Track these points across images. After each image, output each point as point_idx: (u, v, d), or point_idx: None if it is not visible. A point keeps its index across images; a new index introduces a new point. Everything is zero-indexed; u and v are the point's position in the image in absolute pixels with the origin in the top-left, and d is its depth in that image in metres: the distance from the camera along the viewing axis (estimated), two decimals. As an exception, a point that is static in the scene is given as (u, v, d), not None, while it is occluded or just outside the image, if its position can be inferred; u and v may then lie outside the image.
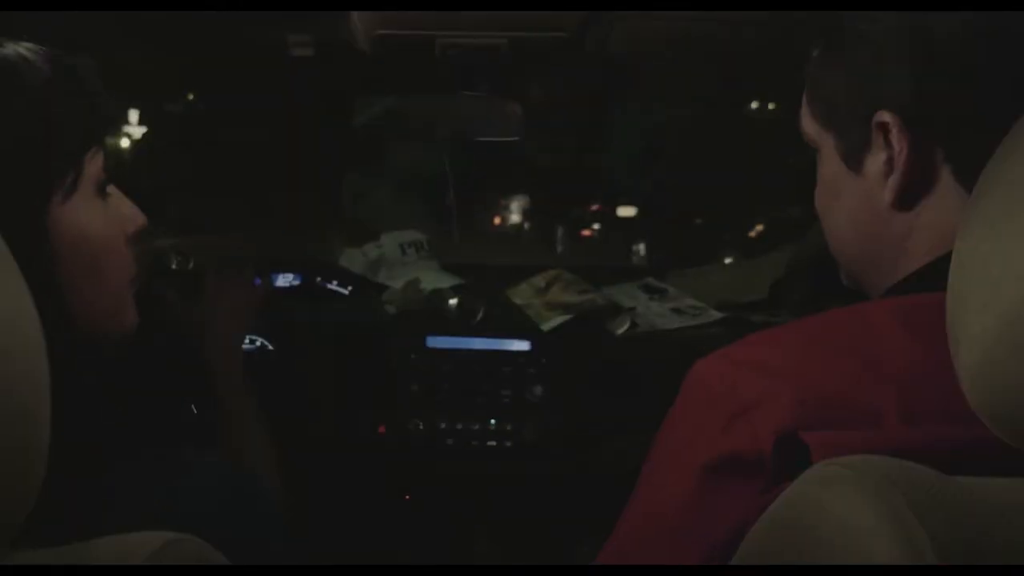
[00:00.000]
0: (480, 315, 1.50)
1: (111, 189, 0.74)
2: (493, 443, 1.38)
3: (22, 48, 0.67)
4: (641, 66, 1.11)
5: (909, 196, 0.69)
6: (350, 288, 1.54)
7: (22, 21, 0.70)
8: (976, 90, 0.66)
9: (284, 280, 1.57)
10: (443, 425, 1.38)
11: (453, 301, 1.51)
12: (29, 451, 0.43)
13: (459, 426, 1.38)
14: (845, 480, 0.49)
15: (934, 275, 0.62)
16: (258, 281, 1.33)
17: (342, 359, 1.42)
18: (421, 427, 1.38)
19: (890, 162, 0.69)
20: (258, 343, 1.47)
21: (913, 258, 0.70)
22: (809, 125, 0.76)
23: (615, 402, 1.44)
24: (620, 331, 1.52)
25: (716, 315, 1.56)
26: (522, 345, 1.45)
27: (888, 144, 0.69)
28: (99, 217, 0.70)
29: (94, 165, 0.69)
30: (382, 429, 1.39)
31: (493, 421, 1.38)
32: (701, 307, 1.59)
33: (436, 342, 1.46)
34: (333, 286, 1.55)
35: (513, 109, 1.25)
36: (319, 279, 1.55)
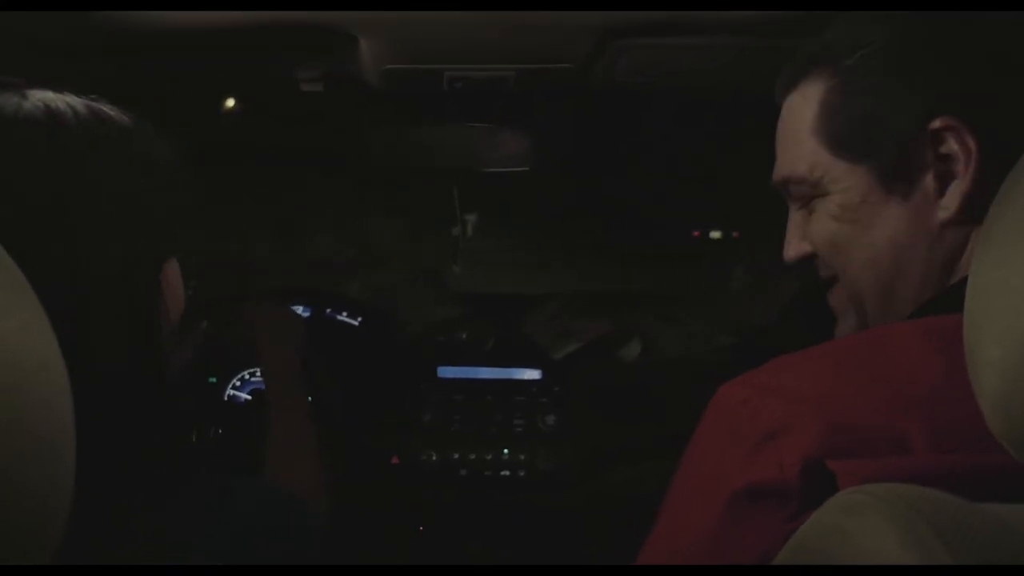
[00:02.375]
0: (491, 344, 1.50)
1: None
2: (507, 472, 1.37)
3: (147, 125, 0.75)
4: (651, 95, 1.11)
5: (971, 205, 0.65)
6: (360, 319, 1.55)
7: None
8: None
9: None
10: (456, 455, 1.37)
11: (463, 330, 1.51)
12: (54, 492, 0.43)
13: (472, 456, 1.37)
14: (869, 508, 0.48)
15: (957, 297, 0.62)
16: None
17: (353, 390, 1.42)
18: (434, 457, 1.37)
19: (946, 174, 0.66)
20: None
21: (947, 276, 0.68)
22: (814, 162, 0.73)
23: (628, 429, 1.43)
24: (631, 358, 1.52)
25: (728, 340, 1.56)
26: (533, 374, 1.45)
27: (943, 155, 0.66)
28: (178, 275, 0.78)
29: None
30: (395, 460, 1.38)
31: (506, 450, 1.38)
32: (713, 332, 1.58)
33: (447, 372, 1.46)
34: (343, 317, 1.55)
35: (522, 139, 1.26)
36: (329, 310, 1.55)
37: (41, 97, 0.68)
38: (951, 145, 0.66)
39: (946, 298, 0.67)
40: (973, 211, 0.65)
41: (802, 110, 0.74)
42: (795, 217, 0.80)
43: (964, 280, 0.64)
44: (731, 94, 1.08)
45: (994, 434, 0.50)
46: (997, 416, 0.49)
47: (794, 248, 0.80)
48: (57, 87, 0.70)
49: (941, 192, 0.68)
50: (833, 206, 0.73)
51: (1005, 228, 0.51)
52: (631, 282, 1.65)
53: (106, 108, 0.71)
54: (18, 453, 0.40)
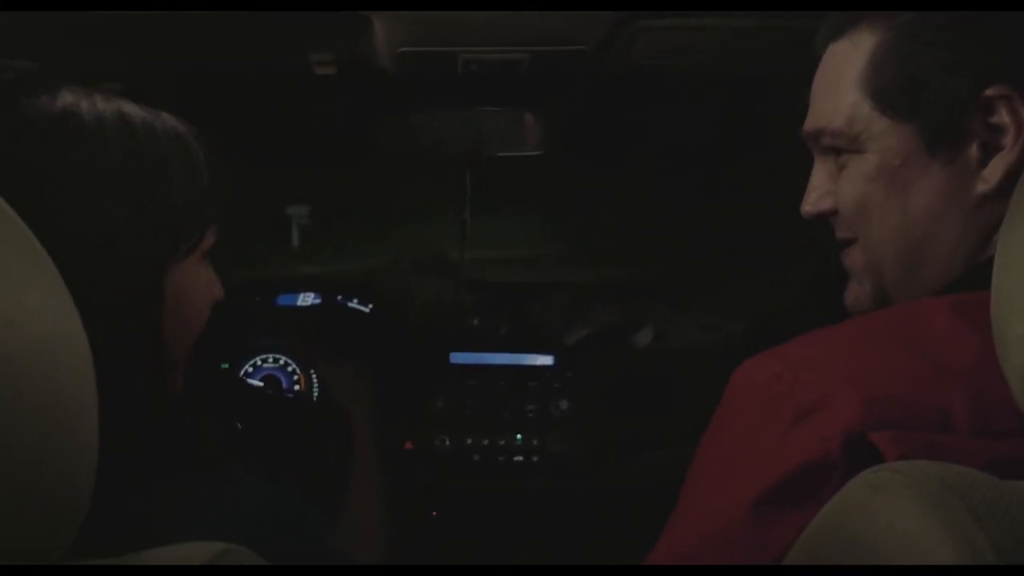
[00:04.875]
0: (504, 330, 1.50)
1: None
2: (520, 458, 1.37)
3: (179, 123, 0.74)
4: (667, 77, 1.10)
5: (1013, 181, 0.62)
6: (371, 306, 1.54)
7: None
8: None
9: (304, 299, 1.57)
10: (469, 441, 1.37)
11: (475, 316, 1.51)
12: (77, 463, 0.43)
13: (485, 441, 1.37)
14: (897, 485, 0.48)
15: (985, 274, 0.61)
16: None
17: (365, 376, 1.42)
18: (448, 443, 1.37)
19: (993, 145, 0.65)
20: (281, 361, 1.47)
21: (981, 250, 0.67)
22: (854, 116, 0.70)
23: (641, 415, 1.43)
24: (644, 344, 1.51)
25: (740, 326, 1.55)
26: (546, 360, 1.44)
27: (992, 124, 0.64)
28: (197, 282, 0.76)
29: (209, 238, 0.76)
30: (408, 445, 1.38)
31: (519, 436, 1.37)
32: (725, 319, 1.58)
33: (460, 358, 1.46)
34: (354, 304, 1.55)
35: (536, 123, 1.25)
36: (340, 297, 1.55)
37: (65, 97, 0.67)
38: (1002, 115, 0.64)
39: (978, 274, 0.64)
40: (1013, 186, 0.62)
41: (849, 59, 0.70)
42: (821, 171, 0.76)
43: (986, 261, 0.63)
44: (750, 77, 1.07)
45: (1022, 410, 0.49)
46: None
47: (813, 203, 0.76)
48: (84, 84, 0.70)
49: (984, 163, 0.66)
50: (869, 166, 0.70)
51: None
52: (644, 268, 1.65)
53: (129, 107, 0.71)
54: (41, 421, 0.40)
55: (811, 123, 0.75)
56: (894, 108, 0.68)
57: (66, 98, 0.67)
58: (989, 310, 0.53)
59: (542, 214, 1.70)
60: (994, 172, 0.65)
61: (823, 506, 0.54)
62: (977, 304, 0.59)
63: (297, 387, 1.46)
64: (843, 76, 0.71)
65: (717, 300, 1.64)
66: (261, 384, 1.42)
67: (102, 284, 0.65)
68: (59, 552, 0.43)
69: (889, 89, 0.68)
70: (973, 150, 0.66)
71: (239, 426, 1.21)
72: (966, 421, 0.56)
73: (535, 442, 1.37)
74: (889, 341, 0.62)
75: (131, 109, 0.70)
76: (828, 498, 0.54)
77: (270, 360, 1.47)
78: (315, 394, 1.46)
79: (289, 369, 1.47)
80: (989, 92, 0.64)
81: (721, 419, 0.67)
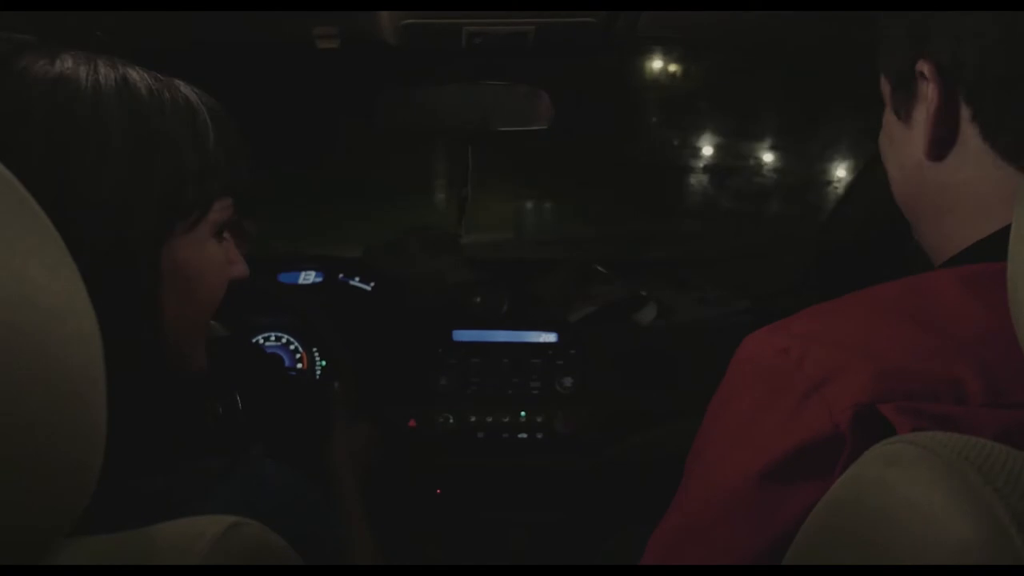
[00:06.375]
0: (505, 307, 1.49)
1: (227, 234, 0.77)
2: (524, 435, 1.37)
3: (192, 92, 0.72)
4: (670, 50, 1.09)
5: (938, 147, 0.68)
6: (373, 284, 1.54)
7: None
8: (1016, 57, 0.63)
9: (306, 277, 1.57)
10: (473, 418, 1.37)
11: (477, 294, 1.50)
12: (85, 439, 0.42)
13: (489, 419, 1.37)
14: (913, 457, 0.47)
15: (994, 246, 0.60)
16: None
17: (367, 354, 1.41)
18: (451, 421, 1.37)
19: (927, 111, 0.68)
20: (283, 340, 1.47)
21: (951, 218, 0.69)
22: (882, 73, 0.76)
23: (644, 392, 1.43)
24: (647, 321, 1.51)
25: (743, 304, 1.55)
26: (549, 337, 1.44)
27: (925, 93, 0.68)
28: (206, 258, 0.74)
29: (221, 212, 0.73)
30: (412, 423, 1.38)
31: (523, 413, 1.37)
32: (727, 296, 1.57)
33: (463, 335, 1.45)
34: (356, 283, 1.54)
35: (541, 97, 1.24)
36: (341, 275, 1.54)
37: (63, 63, 0.66)
38: (927, 88, 0.67)
39: (979, 249, 0.66)
40: (939, 153, 0.68)
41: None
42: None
43: (995, 233, 0.64)
44: (757, 48, 1.06)
45: None
46: None
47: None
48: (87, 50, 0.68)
49: (920, 130, 0.70)
50: (885, 113, 0.75)
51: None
52: (646, 244, 1.64)
53: (133, 74, 0.69)
54: (51, 395, 0.39)
55: None
56: (880, 64, 0.74)
57: (65, 63, 0.66)
58: (997, 281, 0.52)
59: (544, 190, 1.69)
60: (924, 136, 0.69)
61: (833, 480, 0.53)
62: (987, 275, 0.59)
63: (299, 365, 1.46)
64: None
65: (719, 276, 1.64)
66: (277, 353, 1.42)
67: (95, 255, 0.63)
68: (71, 524, 0.43)
69: (878, 49, 0.74)
70: (922, 113, 0.69)
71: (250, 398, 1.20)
72: (978, 392, 0.56)
73: (539, 419, 1.37)
74: (898, 313, 0.61)
75: (135, 76, 0.68)
76: (838, 472, 0.54)
77: (272, 338, 1.46)
78: (318, 373, 1.46)
79: (291, 348, 1.47)
80: (919, 66, 0.67)
81: (727, 394, 0.66)
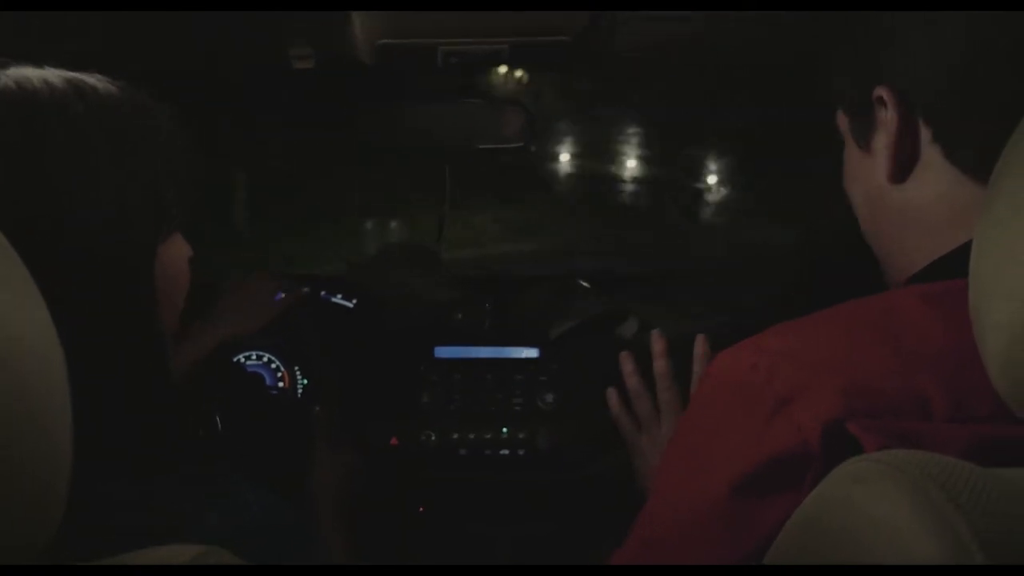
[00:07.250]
0: (487, 323, 1.49)
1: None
2: (506, 452, 1.37)
3: (150, 101, 0.72)
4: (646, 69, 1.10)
5: (900, 171, 0.68)
6: (355, 301, 1.53)
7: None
8: (973, 75, 0.64)
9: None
10: (455, 435, 1.37)
11: (459, 311, 1.50)
12: (51, 464, 0.42)
13: (471, 435, 1.37)
14: (878, 475, 0.47)
15: (954, 263, 0.61)
16: (279, 295, 1.33)
17: (349, 372, 1.41)
18: (433, 438, 1.37)
19: (887, 137, 0.68)
20: (265, 359, 1.46)
21: (913, 237, 0.70)
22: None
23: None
24: (629, 336, 1.51)
25: (724, 317, 1.55)
26: (531, 352, 1.44)
27: (885, 119, 0.68)
28: (179, 251, 0.75)
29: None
30: (394, 441, 1.38)
31: (505, 430, 1.37)
32: (709, 310, 1.58)
33: (444, 352, 1.45)
34: (337, 299, 1.54)
35: (518, 115, 1.24)
36: (323, 292, 1.54)
37: (16, 73, 0.65)
38: (887, 113, 0.68)
39: (940, 265, 0.67)
40: (900, 176, 0.69)
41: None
42: None
43: (955, 250, 0.65)
44: (731, 66, 1.07)
45: (1001, 395, 0.49)
46: (1004, 377, 0.48)
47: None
48: (37, 63, 0.68)
49: (882, 156, 0.70)
50: (846, 152, 0.76)
51: (1012, 189, 0.50)
52: (627, 260, 1.65)
53: (91, 80, 0.68)
54: (13, 427, 0.39)
55: None
56: (838, 102, 0.75)
57: (18, 74, 0.65)
58: (958, 298, 0.53)
59: (523, 207, 1.69)
60: (885, 161, 0.69)
61: (802, 496, 0.54)
62: (947, 292, 0.60)
63: (281, 384, 1.45)
64: None
65: (699, 292, 1.64)
66: (259, 373, 1.41)
67: (84, 270, 0.63)
68: (34, 553, 0.42)
69: (832, 87, 0.75)
70: (883, 139, 0.69)
71: (230, 418, 1.19)
72: (944, 408, 0.56)
73: (521, 435, 1.37)
74: (865, 330, 0.62)
75: (99, 84, 0.68)
76: (807, 488, 0.54)
77: (253, 357, 1.46)
78: (299, 391, 1.45)
79: (273, 366, 1.46)
80: (876, 92, 0.68)
81: (697, 410, 0.67)
